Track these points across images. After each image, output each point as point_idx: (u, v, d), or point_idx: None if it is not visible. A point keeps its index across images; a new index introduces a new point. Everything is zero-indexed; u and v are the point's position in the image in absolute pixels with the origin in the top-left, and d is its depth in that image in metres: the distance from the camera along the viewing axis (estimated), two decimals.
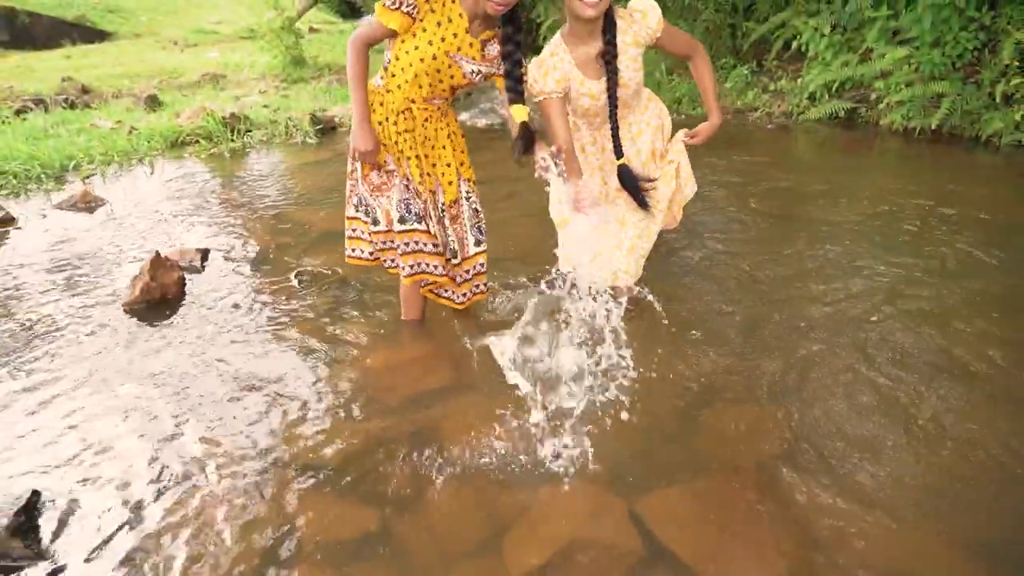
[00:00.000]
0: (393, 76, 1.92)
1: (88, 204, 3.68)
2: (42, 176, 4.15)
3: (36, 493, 1.53)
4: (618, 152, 2.10)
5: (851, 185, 3.67)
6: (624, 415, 1.78)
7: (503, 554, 1.42)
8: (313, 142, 5.07)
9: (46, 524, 1.50)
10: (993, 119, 4.29)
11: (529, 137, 1.89)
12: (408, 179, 2.01)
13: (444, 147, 2.06)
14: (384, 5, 1.81)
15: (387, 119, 1.96)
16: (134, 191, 3.98)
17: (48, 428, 1.86)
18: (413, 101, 1.94)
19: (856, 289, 2.47)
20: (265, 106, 6.07)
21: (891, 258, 2.70)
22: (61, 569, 1.39)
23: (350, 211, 2.14)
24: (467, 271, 2.19)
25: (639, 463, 1.67)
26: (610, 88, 2.00)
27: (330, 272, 2.74)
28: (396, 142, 1.98)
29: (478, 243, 2.18)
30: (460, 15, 1.85)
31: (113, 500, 1.59)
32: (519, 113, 1.91)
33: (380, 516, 1.53)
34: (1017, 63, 4.20)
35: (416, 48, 1.85)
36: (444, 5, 1.85)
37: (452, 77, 1.92)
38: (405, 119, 1.95)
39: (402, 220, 2.02)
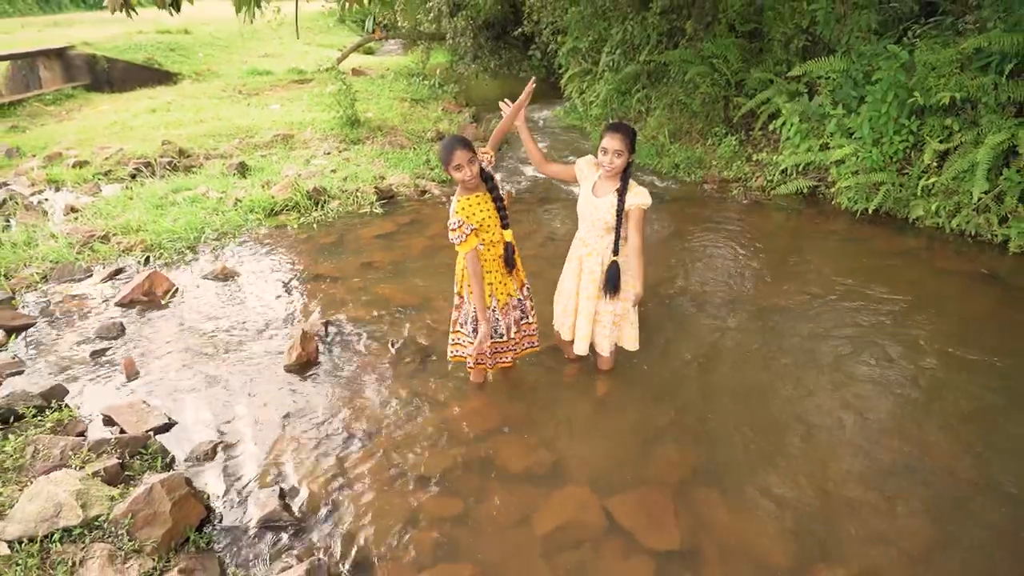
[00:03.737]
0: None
1: (225, 276, 5.01)
2: (184, 250, 5.52)
3: (282, 489, 2.81)
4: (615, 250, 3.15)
5: (799, 266, 4.86)
6: (602, 445, 3.03)
7: (532, 525, 2.67)
8: (380, 212, 6.38)
9: (293, 503, 2.79)
10: (918, 206, 5.44)
11: (512, 250, 3.07)
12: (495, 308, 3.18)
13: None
14: (460, 242, 2.85)
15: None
16: (254, 262, 5.31)
17: (275, 445, 3.16)
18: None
19: (787, 362, 3.68)
20: (333, 171, 7.41)
21: (823, 331, 3.91)
22: (313, 525, 2.68)
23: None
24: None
25: (610, 475, 2.91)
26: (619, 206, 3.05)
27: (416, 341, 4.01)
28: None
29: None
30: (478, 195, 2.93)
31: (319, 489, 2.87)
32: (508, 235, 3.03)
33: (460, 504, 2.78)
34: (935, 165, 5.34)
35: (487, 233, 2.98)
36: (477, 197, 2.93)
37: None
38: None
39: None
